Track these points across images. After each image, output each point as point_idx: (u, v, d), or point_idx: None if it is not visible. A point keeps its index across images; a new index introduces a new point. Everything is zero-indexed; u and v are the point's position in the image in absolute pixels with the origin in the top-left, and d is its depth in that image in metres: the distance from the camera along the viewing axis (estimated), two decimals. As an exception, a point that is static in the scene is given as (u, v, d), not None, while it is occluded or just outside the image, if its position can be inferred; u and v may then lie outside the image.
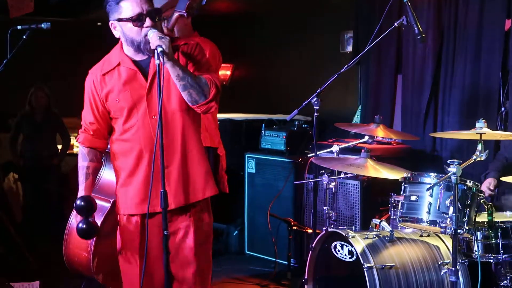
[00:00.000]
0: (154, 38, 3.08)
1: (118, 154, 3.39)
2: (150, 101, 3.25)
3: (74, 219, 3.38)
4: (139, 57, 3.30)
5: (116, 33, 3.29)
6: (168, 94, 3.25)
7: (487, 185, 4.50)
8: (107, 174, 4.22)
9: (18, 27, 4.18)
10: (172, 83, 3.20)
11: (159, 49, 3.03)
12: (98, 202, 4.09)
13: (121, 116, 3.32)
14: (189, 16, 4.53)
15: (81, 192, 3.38)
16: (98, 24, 8.64)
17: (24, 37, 4.20)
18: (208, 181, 3.39)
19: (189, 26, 4.65)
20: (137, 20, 3.17)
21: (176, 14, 4.56)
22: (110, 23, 3.27)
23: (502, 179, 4.19)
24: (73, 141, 8.25)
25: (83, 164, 3.42)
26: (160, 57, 3.02)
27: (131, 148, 3.33)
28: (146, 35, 3.15)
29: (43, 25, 4.18)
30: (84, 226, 3.16)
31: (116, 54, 3.35)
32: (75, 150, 8.20)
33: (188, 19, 4.66)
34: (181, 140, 3.30)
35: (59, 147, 7.49)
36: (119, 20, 3.21)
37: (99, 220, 4.03)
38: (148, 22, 3.16)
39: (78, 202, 3.18)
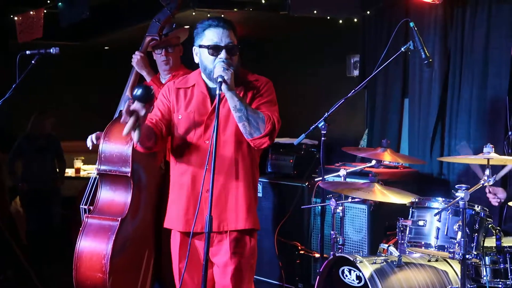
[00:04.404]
0: (218, 68, 3.24)
1: (173, 171, 3.55)
2: (207, 126, 3.42)
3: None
4: (211, 84, 3.47)
5: (196, 58, 3.47)
6: (225, 123, 3.41)
7: (495, 192, 4.42)
8: (104, 195, 4.26)
9: (27, 52, 4.22)
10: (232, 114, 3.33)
11: (219, 79, 3.17)
12: (105, 222, 4.12)
13: (179, 133, 3.48)
14: (161, 39, 4.57)
15: None
16: (106, 48, 8.71)
17: (32, 62, 4.24)
18: (248, 214, 3.46)
19: (179, 57, 4.76)
20: (213, 49, 3.34)
21: (147, 38, 4.60)
22: (193, 47, 3.47)
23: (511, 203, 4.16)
24: (78, 164, 8.27)
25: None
26: (219, 87, 3.14)
27: (184, 167, 3.48)
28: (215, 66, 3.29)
29: (51, 50, 4.21)
30: (141, 88, 3.00)
31: (194, 76, 3.55)
32: (81, 173, 8.21)
33: (181, 50, 4.72)
34: (227, 169, 3.42)
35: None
36: (200, 46, 3.40)
37: (110, 240, 4.04)
38: (223, 54, 3.34)
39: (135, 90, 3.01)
